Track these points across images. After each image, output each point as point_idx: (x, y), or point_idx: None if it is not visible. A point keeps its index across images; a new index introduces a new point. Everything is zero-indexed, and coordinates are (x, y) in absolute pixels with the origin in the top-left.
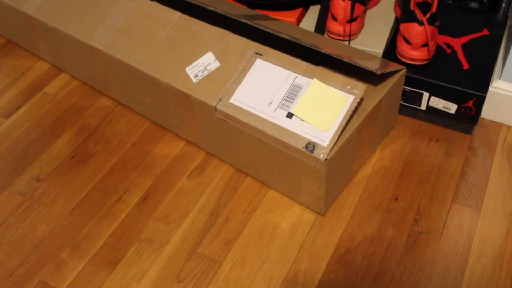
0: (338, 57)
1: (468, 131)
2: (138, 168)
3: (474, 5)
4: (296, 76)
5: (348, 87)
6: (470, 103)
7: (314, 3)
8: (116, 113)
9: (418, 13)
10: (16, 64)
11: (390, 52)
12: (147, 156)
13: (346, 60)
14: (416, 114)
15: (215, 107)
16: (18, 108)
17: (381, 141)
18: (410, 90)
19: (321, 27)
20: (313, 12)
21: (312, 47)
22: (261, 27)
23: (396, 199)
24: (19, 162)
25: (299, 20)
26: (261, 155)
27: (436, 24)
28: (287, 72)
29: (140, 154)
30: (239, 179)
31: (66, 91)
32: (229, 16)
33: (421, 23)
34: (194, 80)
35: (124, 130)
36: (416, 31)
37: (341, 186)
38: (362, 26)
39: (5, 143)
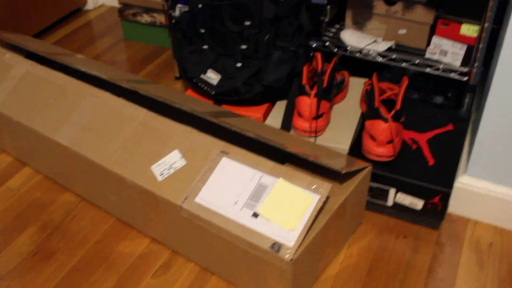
0: (303, 157)
1: (435, 226)
2: (102, 267)
3: (438, 100)
4: (262, 176)
5: (314, 186)
6: (437, 199)
7: (280, 99)
8: (80, 209)
9: (382, 110)
10: None
11: (356, 148)
12: (111, 254)
13: (311, 159)
14: (383, 210)
15: (181, 206)
16: None
17: (348, 238)
18: (377, 186)
19: (287, 123)
20: (280, 107)
21: (278, 146)
22: (227, 126)
23: None
24: None
25: (266, 115)
26: (227, 254)
27: (401, 120)
28: (253, 171)
29: (104, 251)
30: (204, 278)
31: (29, 186)
32: (196, 114)
33: (385, 120)
34: (160, 179)
35: (88, 227)
36: (381, 128)
37: (308, 284)
38: (328, 122)
39: None
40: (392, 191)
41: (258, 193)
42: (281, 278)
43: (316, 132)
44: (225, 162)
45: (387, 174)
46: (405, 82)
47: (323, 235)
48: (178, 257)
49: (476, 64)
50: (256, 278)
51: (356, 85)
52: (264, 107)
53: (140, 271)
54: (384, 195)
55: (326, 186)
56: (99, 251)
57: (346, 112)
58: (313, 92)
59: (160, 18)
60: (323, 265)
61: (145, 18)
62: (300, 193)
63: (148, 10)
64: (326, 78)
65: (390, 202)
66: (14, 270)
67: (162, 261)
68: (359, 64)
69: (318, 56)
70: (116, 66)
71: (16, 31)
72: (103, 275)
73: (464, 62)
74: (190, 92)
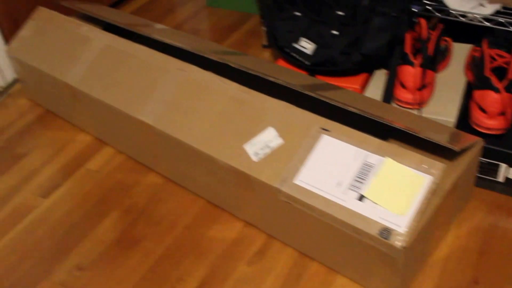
0: (411, 132)
1: None
2: (192, 254)
3: None
4: (367, 154)
5: (425, 166)
6: None
7: (379, 68)
8: (166, 191)
9: (494, 80)
10: (55, 136)
11: (464, 120)
12: (201, 239)
13: (421, 136)
14: (493, 186)
15: (279, 189)
16: (58, 186)
17: (456, 217)
18: (486, 161)
19: (388, 95)
20: (379, 77)
21: (383, 122)
22: (327, 100)
23: (476, 283)
24: (59, 248)
25: (363, 86)
26: (329, 239)
27: None
28: (357, 149)
29: (193, 237)
30: (304, 264)
31: (111, 167)
32: (292, 87)
33: (497, 90)
34: (254, 159)
35: (175, 211)
36: (492, 99)
37: (415, 269)
38: (432, 93)
39: (43, 227)
40: (503, 166)
41: (363, 173)
42: (390, 266)
43: (420, 104)
44: (325, 140)
45: (498, 148)
46: None
47: (434, 218)
48: (274, 242)
49: None
50: (360, 265)
51: (458, 51)
52: (361, 77)
53: (233, 258)
54: (494, 170)
55: (438, 166)
56: (188, 237)
57: (450, 81)
58: (417, 61)
59: None
60: (431, 248)
61: None
62: (410, 174)
63: None
64: (431, 46)
65: (501, 178)
66: (98, 260)
67: (257, 247)
68: (458, 28)
69: (423, 22)
70: (199, 36)
71: (93, 0)
72: (193, 263)
73: None
74: (281, 63)
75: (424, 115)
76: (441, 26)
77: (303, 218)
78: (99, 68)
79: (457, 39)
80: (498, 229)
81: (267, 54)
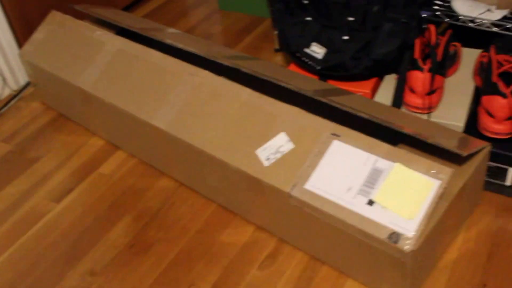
0: (420, 138)
1: None
2: (204, 259)
3: None
4: (377, 159)
5: (433, 171)
6: None
7: (389, 73)
8: (178, 195)
9: (501, 85)
10: (67, 140)
11: (472, 125)
12: (213, 244)
13: (430, 141)
14: (501, 190)
15: (289, 194)
16: (70, 191)
17: (465, 221)
18: (494, 165)
19: (398, 100)
20: (389, 82)
21: (393, 128)
22: (338, 106)
23: (485, 285)
24: (71, 253)
25: (374, 90)
26: (339, 243)
27: None
28: (367, 154)
29: (205, 242)
30: (314, 268)
31: (123, 171)
32: (303, 93)
33: (504, 95)
34: (266, 164)
35: (187, 215)
36: (499, 104)
37: (425, 273)
38: (441, 97)
39: (56, 232)
40: (511, 170)
41: (373, 178)
42: (399, 269)
43: (430, 109)
44: (336, 145)
45: (506, 152)
46: None
47: (442, 222)
48: (285, 246)
49: None
50: (370, 269)
51: (467, 56)
52: (371, 82)
53: (245, 262)
54: (502, 174)
55: (446, 171)
56: (200, 242)
57: (459, 86)
58: (426, 67)
59: None
60: (440, 252)
61: None
62: (419, 179)
63: None
64: (440, 51)
65: (508, 182)
66: (110, 264)
67: (268, 251)
68: (468, 33)
69: (432, 28)
70: (212, 39)
71: (107, 4)
72: (205, 268)
73: None
74: (293, 67)
75: (433, 119)
76: (449, 31)
77: (314, 223)
78: (112, 73)
79: (467, 45)
80: (506, 232)
81: (279, 58)
